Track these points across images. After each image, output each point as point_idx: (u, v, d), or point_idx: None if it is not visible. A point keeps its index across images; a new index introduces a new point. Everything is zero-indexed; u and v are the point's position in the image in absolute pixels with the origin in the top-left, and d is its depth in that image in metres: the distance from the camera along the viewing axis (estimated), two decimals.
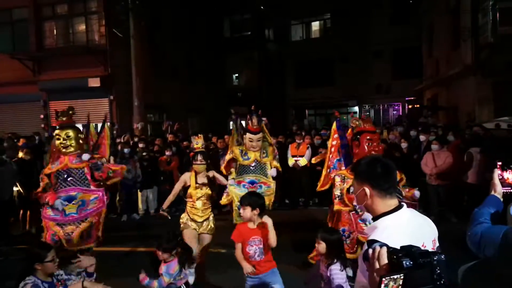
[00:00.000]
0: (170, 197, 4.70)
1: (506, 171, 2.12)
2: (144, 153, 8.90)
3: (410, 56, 19.71)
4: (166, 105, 16.35)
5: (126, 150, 8.41)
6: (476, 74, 12.12)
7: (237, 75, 24.84)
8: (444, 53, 15.46)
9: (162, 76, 15.75)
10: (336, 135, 4.70)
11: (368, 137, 4.24)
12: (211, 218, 4.57)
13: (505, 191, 2.10)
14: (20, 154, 7.70)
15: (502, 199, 2.10)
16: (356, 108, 23.58)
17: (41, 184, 4.95)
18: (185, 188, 4.58)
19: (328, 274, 2.98)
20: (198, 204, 4.47)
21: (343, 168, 4.49)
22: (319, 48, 22.61)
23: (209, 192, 4.51)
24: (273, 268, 3.43)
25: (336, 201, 4.44)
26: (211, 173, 4.60)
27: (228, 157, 5.76)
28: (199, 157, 4.49)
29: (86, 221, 4.89)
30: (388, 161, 1.83)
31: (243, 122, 6.42)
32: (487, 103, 11.93)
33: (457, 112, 14.06)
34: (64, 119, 5.14)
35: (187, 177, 4.58)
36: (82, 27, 14.53)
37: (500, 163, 2.13)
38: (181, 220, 4.58)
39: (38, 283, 2.78)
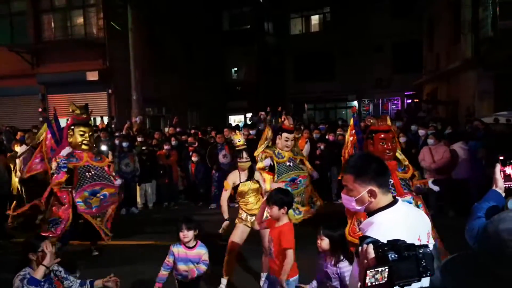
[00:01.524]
0: (224, 204, 4.43)
1: (508, 165, 2.10)
2: (142, 147, 8.89)
3: (411, 50, 19.66)
4: (165, 99, 16.31)
5: (124, 144, 8.39)
6: (476, 68, 12.09)
7: (236, 68, 24.77)
8: (444, 47, 15.42)
9: (161, 69, 15.69)
10: (353, 131, 4.72)
11: (381, 136, 4.26)
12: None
13: (506, 185, 2.09)
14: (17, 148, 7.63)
15: (504, 194, 2.08)
16: (356, 103, 23.55)
17: (63, 175, 5.25)
18: (235, 187, 4.42)
19: (338, 272, 2.90)
20: (251, 199, 4.39)
21: None
22: (319, 42, 22.54)
23: (257, 185, 4.39)
24: (289, 279, 3.22)
25: None
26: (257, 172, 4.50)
27: (260, 165, 5.60)
28: (245, 155, 4.33)
29: (107, 213, 5.54)
30: (377, 156, 1.81)
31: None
32: (487, 97, 11.92)
33: (457, 106, 14.05)
34: (85, 115, 5.57)
35: (236, 176, 4.39)
36: (80, 20, 14.46)
37: (502, 157, 2.12)
38: (239, 216, 4.44)
39: (29, 275, 2.77)
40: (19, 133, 9.27)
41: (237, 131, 5.04)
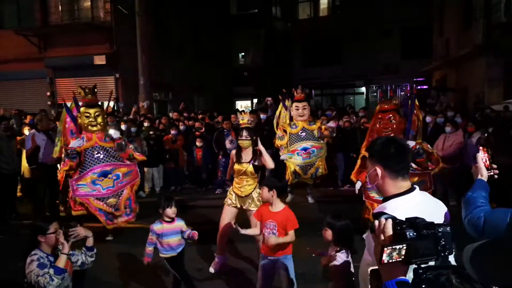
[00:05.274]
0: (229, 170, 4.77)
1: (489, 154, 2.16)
2: (150, 132, 8.92)
3: (420, 35, 19.31)
4: (172, 84, 16.29)
5: (132, 129, 8.44)
6: (487, 54, 11.88)
7: (243, 53, 24.57)
8: (454, 32, 15.14)
9: (168, 54, 15.63)
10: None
11: (379, 116, 4.63)
12: (254, 195, 4.43)
13: (489, 174, 2.14)
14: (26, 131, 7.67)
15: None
16: (363, 89, 23.32)
17: (68, 162, 5.25)
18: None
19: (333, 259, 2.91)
20: (246, 181, 4.44)
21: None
22: (327, 26, 22.22)
23: (252, 169, 4.39)
24: (286, 255, 3.43)
25: None
26: (259, 148, 4.35)
27: (277, 142, 6.89)
28: (244, 133, 4.40)
29: (124, 194, 5.51)
30: (403, 142, 1.84)
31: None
32: (497, 84, 11.75)
33: (466, 93, 13.87)
34: (90, 97, 5.55)
35: (233, 153, 4.58)
36: (87, 3, 14.36)
37: (481, 147, 2.16)
38: (228, 197, 4.59)
39: (43, 257, 2.80)
40: (28, 117, 9.35)
41: (245, 111, 5.28)
